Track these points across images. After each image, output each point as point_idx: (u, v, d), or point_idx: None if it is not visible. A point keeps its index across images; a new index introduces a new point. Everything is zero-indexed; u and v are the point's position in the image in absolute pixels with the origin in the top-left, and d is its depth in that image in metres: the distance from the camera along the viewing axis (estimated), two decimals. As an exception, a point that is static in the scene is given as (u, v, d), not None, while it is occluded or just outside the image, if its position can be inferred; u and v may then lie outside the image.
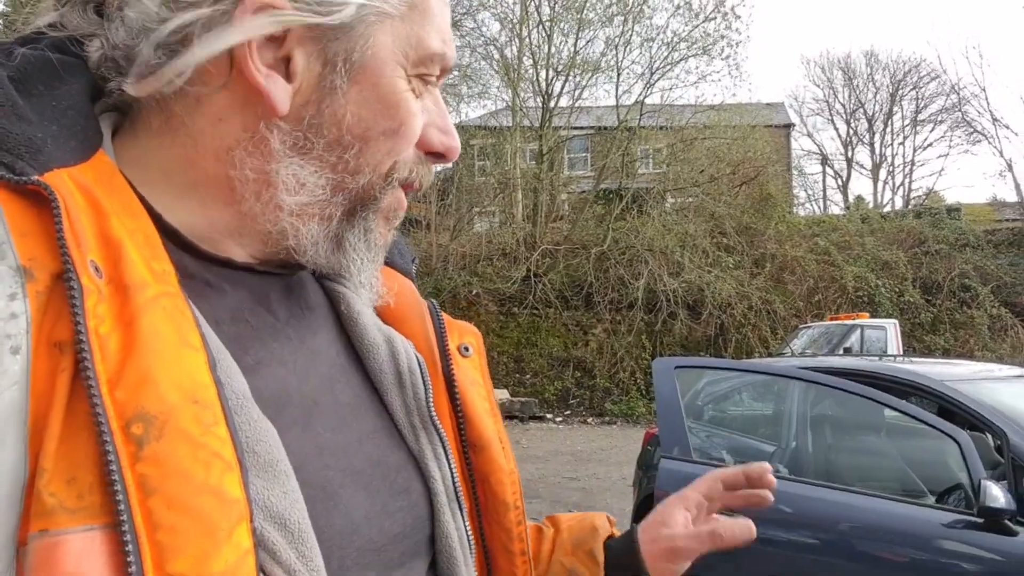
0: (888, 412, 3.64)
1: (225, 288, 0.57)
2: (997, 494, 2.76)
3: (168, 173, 0.55)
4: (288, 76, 0.55)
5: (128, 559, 0.39)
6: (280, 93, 0.55)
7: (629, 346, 16.39)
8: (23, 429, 0.40)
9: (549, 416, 15.14)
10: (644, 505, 4.79)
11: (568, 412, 15.63)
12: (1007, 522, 2.78)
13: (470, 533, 0.65)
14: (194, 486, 0.42)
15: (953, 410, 3.40)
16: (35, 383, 0.41)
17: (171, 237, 0.54)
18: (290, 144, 0.56)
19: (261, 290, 0.60)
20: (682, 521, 0.81)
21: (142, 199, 0.53)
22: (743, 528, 0.79)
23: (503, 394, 15.32)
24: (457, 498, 0.64)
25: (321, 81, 0.56)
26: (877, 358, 5.98)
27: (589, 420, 15.12)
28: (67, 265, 0.42)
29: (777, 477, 3.03)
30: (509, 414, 14.55)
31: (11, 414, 0.40)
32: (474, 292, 17.44)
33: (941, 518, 2.98)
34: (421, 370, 0.66)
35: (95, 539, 0.39)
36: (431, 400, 0.65)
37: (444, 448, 0.65)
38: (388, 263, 0.72)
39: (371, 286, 0.62)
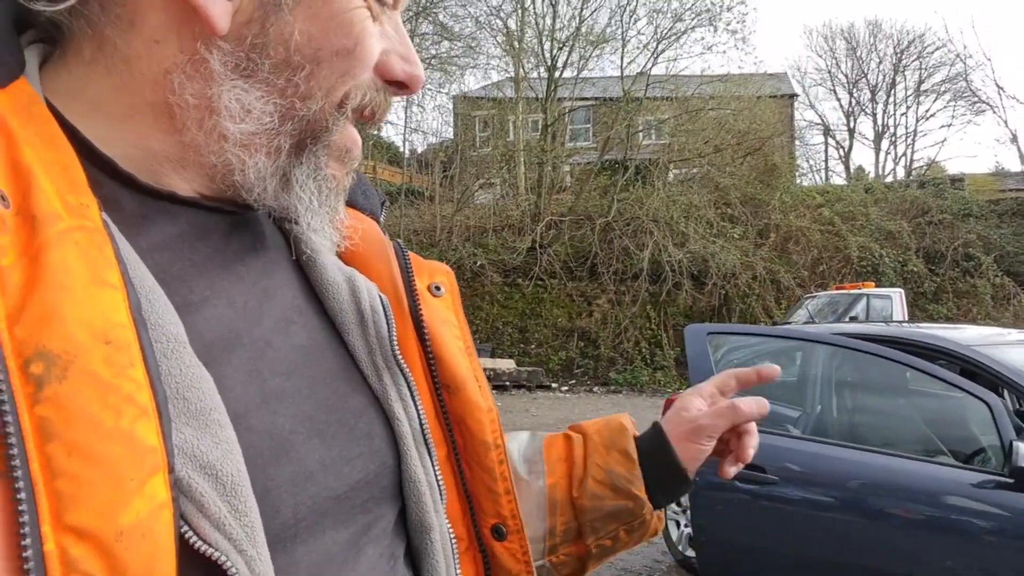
0: (912, 376, 3.71)
1: (164, 222, 0.53)
2: (1028, 454, 2.84)
3: (102, 102, 0.52)
4: None
5: (20, 508, 0.35)
6: (217, 9, 0.51)
7: (633, 316, 16.48)
8: None
9: (554, 385, 15.27)
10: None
11: (573, 381, 15.76)
12: (1036, 482, 2.86)
13: (440, 476, 0.62)
14: (101, 432, 0.38)
15: (978, 373, 3.47)
16: None
17: (105, 169, 0.51)
18: (232, 66, 0.52)
19: (207, 225, 0.56)
20: (700, 405, 0.85)
21: (73, 131, 0.50)
22: (759, 403, 0.82)
23: (509, 363, 15.43)
24: (425, 441, 0.62)
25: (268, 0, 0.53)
26: (885, 324, 6.03)
27: (595, 389, 15.25)
28: None
29: (802, 439, 3.09)
30: (516, 383, 14.67)
31: None
32: (479, 264, 17.49)
33: (971, 478, 3.06)
34: (385, 310, 0.63)
35: None
36: (395, 339, 0.62)
37: (410, 389, 0.62)
38: (351, 203, 0.70)
39: (324, 231, 0.59)
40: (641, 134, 20.45)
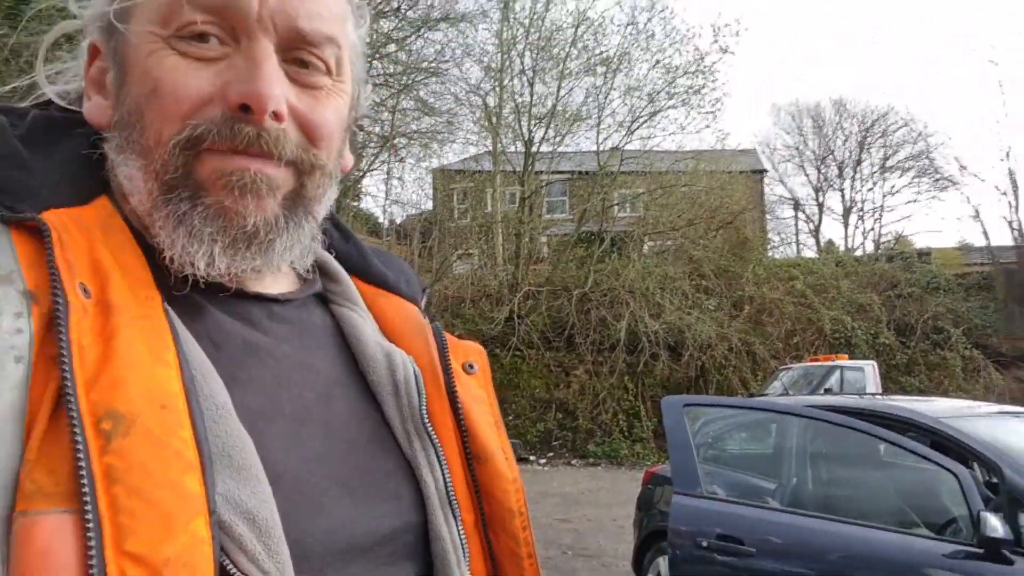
0: (886, 449, 3.80)
1: (217, 310, 0.62)
2: (996, 524, 2.90)
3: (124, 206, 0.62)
4: (107, 95, 0.63)
5: (89, 534, 0.44)
6: (94, 110, 0.64)
7: (611, 387, 16.49)
8: (20, 426, 0.46)
9: (532, 458, 15.13)
10: (646, 544, 4.88)
11: (551, 454, 15.62)
12: (1005, 552, 2.92)
13: (464, 537, 0.67)
14: (155, 479, 0.47)
15: (947, 445, 3.56)
16: (33, 388, 0.47)
17: (161, 263, 0.60)
18: (115, 148, 0.61)
19: (252, 312, 0.65)
20: None
21: (139, 232, 0.61)
22: None
23: (487, 436, 15.28)
24: (450, 503, 0.67)
25: (114, 82, 0.62)
26: (858, 396, 6.15)
27: (573, 462, 15.13)
28: (55, 287, 0.50)
29: (779, 511, 3.16)
30: (494, 456, 14.50)
31: (11, 413, 0.46)
32: (457, 334, 17.40)
33: (941, 549, 3.12)
34: (417, 382, 0.70)
35: (65, 520, 0.44)
36: (424, 408, 0.69)
37: (438, 455, 0.68)
38: (395, 291, 0.79)
39: (224, 266, 0.60)
40: (616, 207, 20.86)
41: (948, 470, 3.16)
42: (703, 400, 5.31)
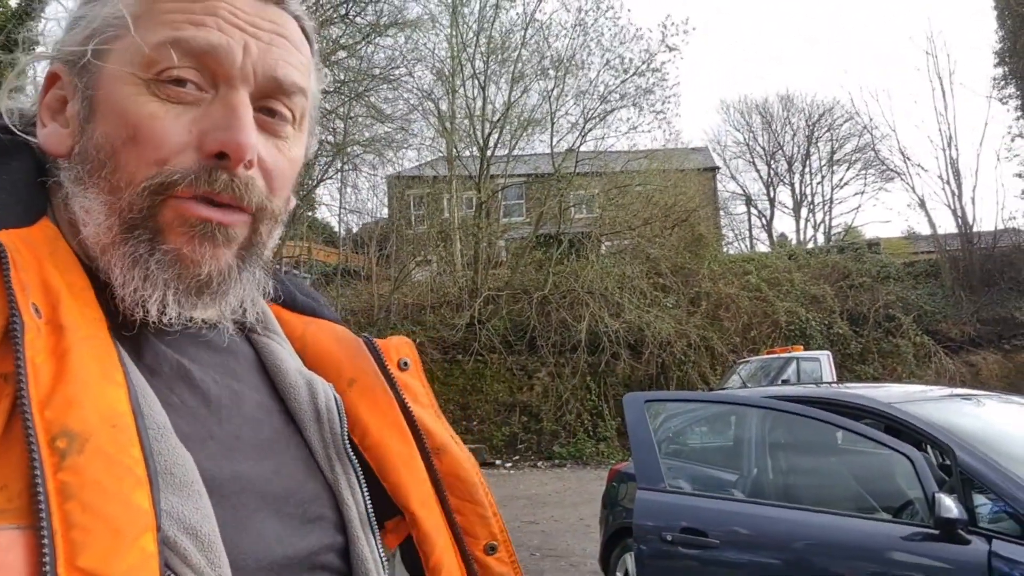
0: (843, 435, 3.86)
1: (148, 336, 0.63)
2: (950, 505, 2.96)
3: (76, 229, 0.63)
4: (66, 123, 0.64)
5: (43, 551, 0.44)
6: (50, 138, 0.64)
7: (574, 388, 16.56)
8: None
9: (498, 462, 15.11)
10: (612, 542, 4.89)
11: (517, 457, 15.62)
12: (960, 532, 2.98)
13: (383, 554, 0.71)
14: (107, 495, 0.48)
15: (900, 430, 3.63)
16: None
17: (104, 288, 0.61)
18: (72, 179, 0.62)
19: (180, 340, 0.66)
20: None
21: (79, 255, 0.61)
22: None
23: (452, 442, 15.22)
24: (371, 523, 0.70)
25: (79, 115, 0.63)
26: (815, 385, 6.25)
27: (539, 464, 15.14)
28: (11, 306, 0.50)
29: (741, 502, 3.19)
30: (459, 462, 14.45)
31: None
32: (418, 341, 17.35)
33: (899, 531, 3.17)
34: (338, 407, 0.73)
35: (18, 536, 0.45)
36: (346, 435, 0.72)
37: (358, 478, 0.71)
38: (322, 316, 0.83)
39: (174, 311, 0.62)
40: (573, 209, 20.97)
41: (902, 454, 3.22)
42: (664, 396, 5.35)
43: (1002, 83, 24.55)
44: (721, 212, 31.55)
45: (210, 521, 0.54)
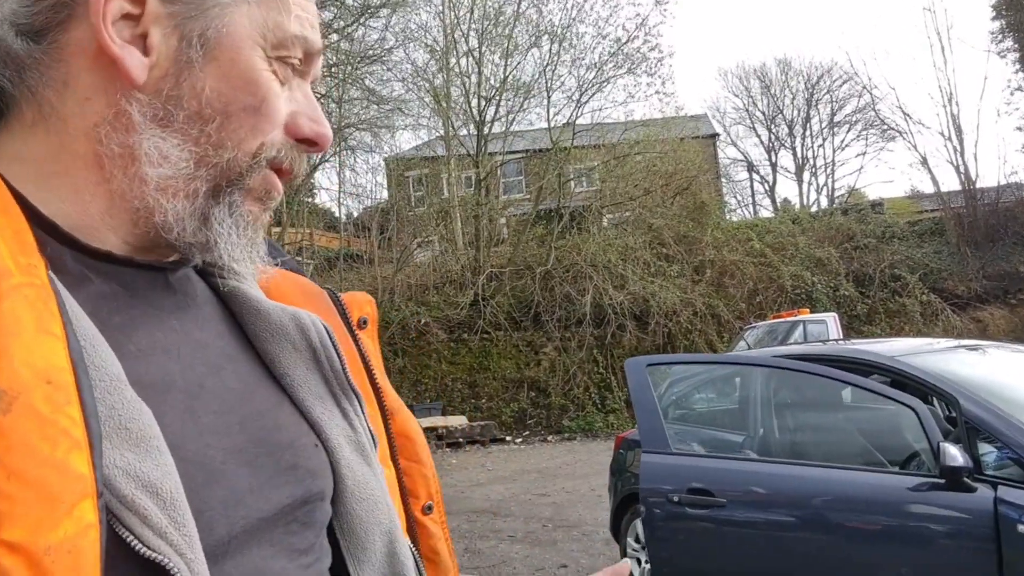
0: (849, 391, 3.85)
1: (103, 280, 0.59)
2: (955, 454, 2.96)
3: (42, 163, 0.58)
4: (145, 51, 0.59)
5: None
6: (135, 62, 0.58)
7: (581, 362, 16.59)
8: None
9: (508, 438, 15.18)
10: (622, 508, 4.91)
11: (527, 433, 15.70)
12: (966, 480, 2.98)
13: (381, 469, 0.71)
14: (38, 459, 0.43)
15: (905, 382, 3.62)
16: None
17: (50, 231, 0.57)
18: (150, 116, 0.59)
19: (142, 283, 0.62)
20: None
21: (19, 195, 0.56)
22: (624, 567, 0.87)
23: (461, 420, 15.31)
24: (374, 444, 0.71)
25: (178, 55, 0.59)
26: (820, 343, 6.24)
27: (549, 438, 15.22)
28: None
29: (747, 460, 3.20)
30: (470, 438, 14.53)
31: None
32: (423, 322, 17.44)
33: (907, 483, 3.17)
34: (332, 341, 0.71)
35: None
36: (347, 368, 0.71)
37: (361, 407, 0.71)
38: (287, 266, 0.80)
39: (243, 262, 0.64)
40: (573, 182, 20.89)
41: (907, 406, 3.21)
42: (666, 359, 5.34)
43: (999, 37, 24.30)
44: (723, 179, 31.39)
45: (172, 477, 0.51)
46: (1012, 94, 24.20)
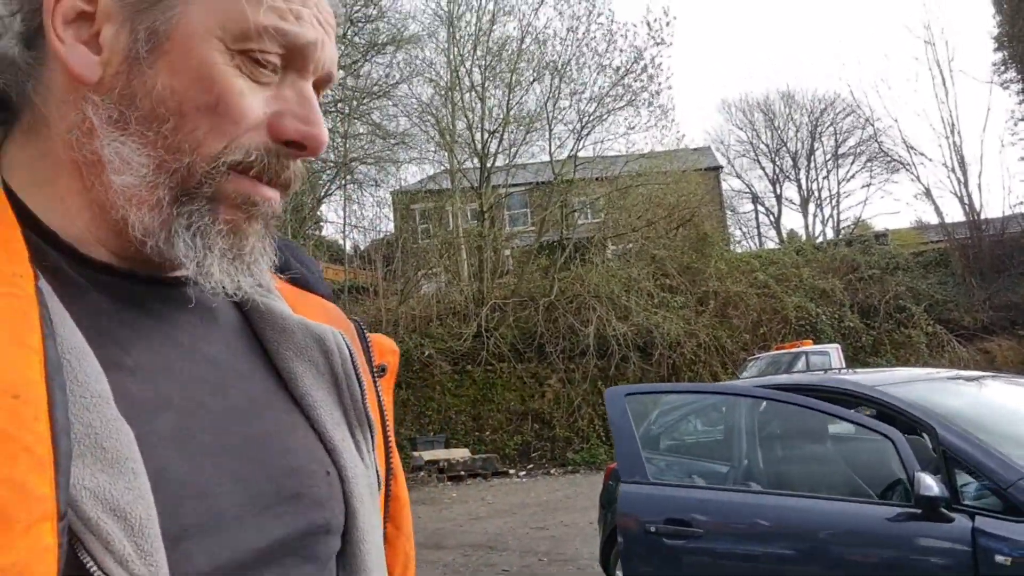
0: (830, 421, 3.84)
1: (102, 291, 0.57)
2: (931, 483, 2.94)
3: (35, 170, 0.57)
4: (98, 49, 0.56)
5: None
6: (79, 60, 0.56)
7: (585, 393, 16.53)
8: None
9: (512, 471, 15.08)
10: (610, 540, 4.87)
11: (531, 465, 15.59)
12: (943, 510, 2.96)
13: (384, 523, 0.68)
14: None
15: (890, 413, 3.61)
16: None
17: (50, 240, 0.56)
18: (106, 118, 0.56)
19: (147, 296, 0.60)
20: None
21: (20, 203, 0.56)
22: None
23: (464, 452, 15.23)
24: (380, 485, 0.68)
25: (128, 52, 0.56)
26: (807, 374, 6.22)
27: (552, 471, 15.10)
28: None
29: (726, 490, 3.17)
30: (471, 471, 14.44)
31: None
32: (427, 354, 17.44)
33: (885, 513, 3.15)
34: (355, 367, 0.68)
35: None
36: (366, 398, 0.68)
37: (373, 441, 0.68)
38: (314, 290, 0.77)
39: (214, 277, 0.59)
40: (576, 214, 21.00)
41: (885, 436, 3.20)
42: (644, 388, 5.33)
43: (1002, 68, 24.45)
44: (728, 211, 31.48)
45: (144, 502, 0.48)
46: (1016, 124, 24.30)
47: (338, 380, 0.67)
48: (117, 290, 0.58)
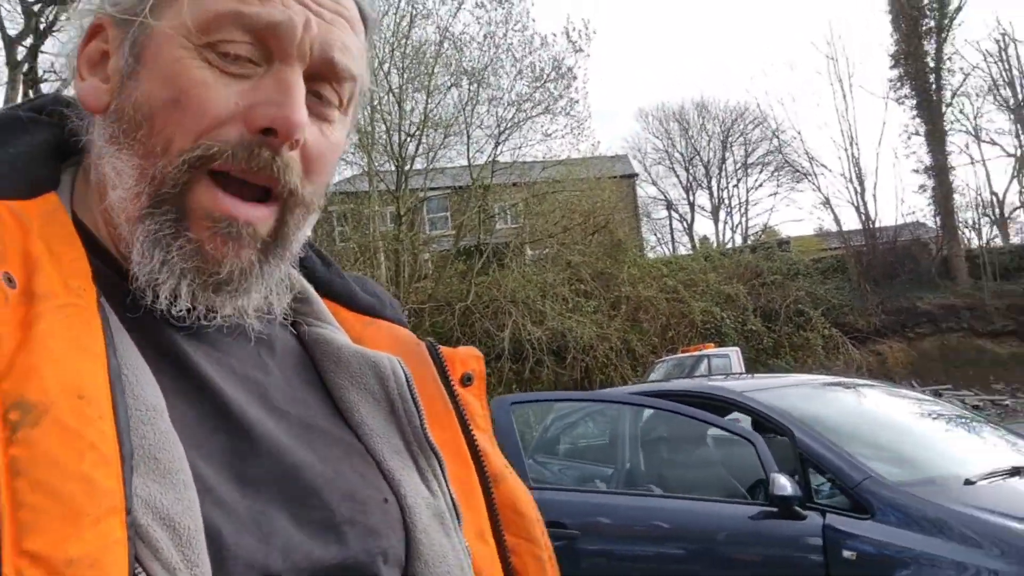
0: (705, 426, 4.07)
1: (155, 316, 0.58)
2: (784, 483, 3.18)
3: (92, 197, 0.61)
4: (107, 79, 0.60)
5: None
6: (90, 91, 0.60)
7: (499, 396, 16.67)
8: None
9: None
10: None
11: (445, 469, 15.65)
12: (796, 508, 3.20)
13: (467, 546, 0.64)
14: (64, 472, 0.43)
15: (757, 418, 3.86)
16: None
17: (111, 266, 0.58)
18: (107, 137, 0.58)
19: (203, 327, 0.60)
20: None
21: (84, 227, 0.59)
22: None
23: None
24: (456, 515, 0.64)
25: (121, 71, 0.58)
26: (682, 380, 6.52)
27: (466, 474, 15.19)
28: None
29: (603, 493, 3.34)
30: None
31: None
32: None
33: (747, 511, 3.38)
34: (412, 393, 0.67)
35: None
36: (425, 423, 0.66)
37: (441, 468, 0.65)
38: (382, 316, 0.76)
39: (178, 298, 0.57)
40: (496, 218, 21.18)
41: (746, 439, 3.43)
42: (529, 397, 5.52)
43: (898, 84, 25.87)
44: (644, 217, 32.25)
45: (192, 515, 0.48)
46: (909, 138, 25.74)
47: (395, 407, 0.66)
48: (169, 315, 0.58)
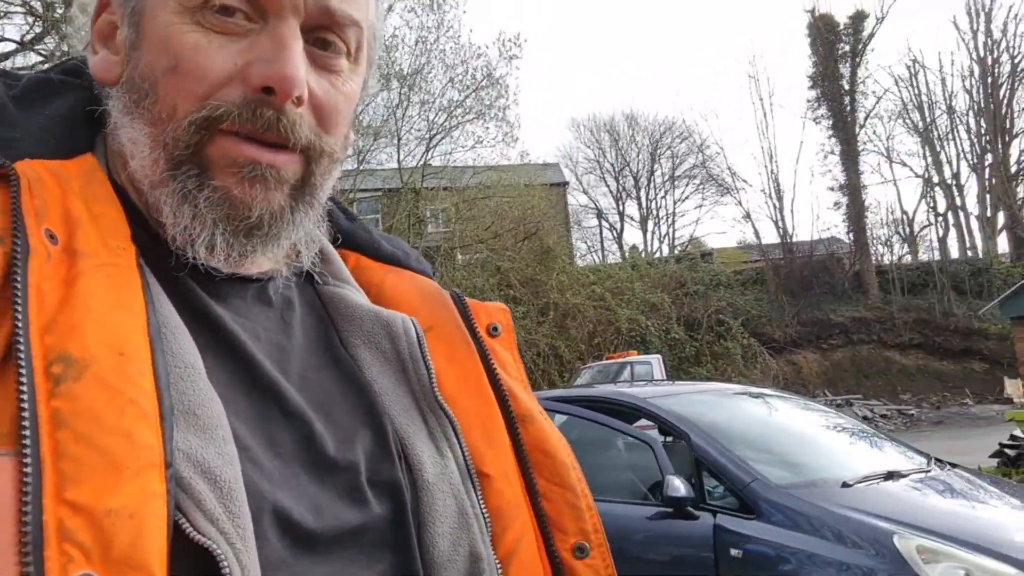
0: (616, 428, 4.24)
1: (191, 284, 0.59)
2: (678, 485, 3.36)
3: (119, 168, 0.61)
4: (117, 51, 0.61)
5: (26, 480, 0.41)
6: (101, 64, 0.61)
7: (426, 401, 16.69)
8: None
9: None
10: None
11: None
12: (689, 508, 3.39)
13: (484, 509, 0.64)
14: (104, 426, 0.44)
15: (660, 424, 4.05)
16: None
17: (144, 225, 0.59)
18: (121, 108, 0.59)
19: (228, 291, 0.62)
20: None
21: (124, 191, 0.59)
22: None
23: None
24: (471, 477, 0.64)
25: (127, 42, 0.59)
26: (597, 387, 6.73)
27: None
28: (15, 230, 0.49)
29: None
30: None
31: None
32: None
33: (645, 512, 3.56)
34: (423, 353, 0.67)
35: (4, 462, 0.42)
36: (435, 383, 0.66)
37: (454, 428, 0.65)
38: (406, 266, 0.77)
39: (216, 250, 0.58)
40: (425, 223, 21.19)
41: (645, 443, 3.61)
42: None
43: (815, 105, 27.00)
44: (575, 225, 32.71)
45: (233, 468, 0.50)
46: (825, 157, 26.91)
47: (405, 367, 0.67)
48: (199, 279, 0.60)
